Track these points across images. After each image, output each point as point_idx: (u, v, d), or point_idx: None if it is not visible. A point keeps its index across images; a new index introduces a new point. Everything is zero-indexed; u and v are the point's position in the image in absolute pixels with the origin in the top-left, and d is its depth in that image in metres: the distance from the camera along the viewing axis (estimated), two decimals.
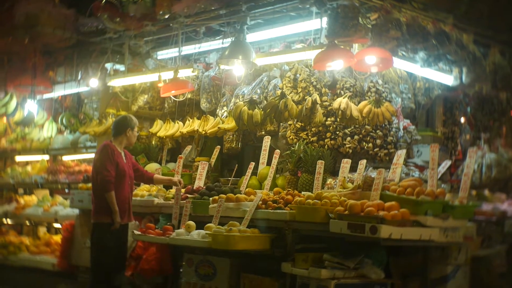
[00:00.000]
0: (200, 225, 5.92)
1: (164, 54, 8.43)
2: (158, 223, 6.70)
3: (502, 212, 6.10)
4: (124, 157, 6.62)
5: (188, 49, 7.74)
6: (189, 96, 7.90)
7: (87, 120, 9.03)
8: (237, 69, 6.94)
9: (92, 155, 9.23)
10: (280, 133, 7.13)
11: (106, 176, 6.34)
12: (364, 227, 4.74)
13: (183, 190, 6.64)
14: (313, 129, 6.71)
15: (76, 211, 8.17)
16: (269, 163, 6.79)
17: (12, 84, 9.49)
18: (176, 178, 6.96)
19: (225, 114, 7.51)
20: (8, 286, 9.16)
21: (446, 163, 6.07)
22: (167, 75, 7.45)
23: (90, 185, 7.36)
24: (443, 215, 4.94)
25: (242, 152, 7.94)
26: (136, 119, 6.78)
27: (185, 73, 7.43)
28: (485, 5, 6.69)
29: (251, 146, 7.89)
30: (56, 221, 9.01)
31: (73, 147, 9.57)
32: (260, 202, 5.76)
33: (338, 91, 6.63)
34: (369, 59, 5.96)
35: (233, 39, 6.73)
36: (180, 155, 7.51)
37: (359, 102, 6.48)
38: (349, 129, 6.58)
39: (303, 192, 6.05)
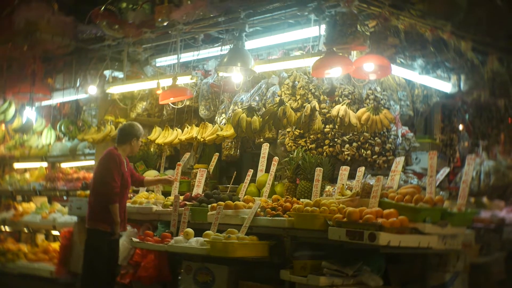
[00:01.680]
0: (198, 233, 5.91)
1: (162, 61, 8.45)
2: (157, 230, 6.69)
3: (500, 219, 6.11)
4: (125, 166, 6.59)
5: (187, 56, 7.75)
6: (187, 103, 7.91)
7: (85, 127, 9.02)
8: (235, 76, 6.94)
9: (90, 162, 9.25)
10: (278, 140, 7.14)
11: (114, 188, 6.26)
12: (362, 234, 4.74)
13: (181, 197, 6.63)
14: (311, 136, 6.71)
15: (74, 218, 8.14)
16: (267, 170, 6.79)
17: (11, 91, 9.49)
18: (166, 176, 6.92)
19: (223, 121, 7.52)
20: None
21: (445, 170, 6.07)
22: (166, 82, 7.46)
23: (88, 192, 7.35)
24: (442, 222, 4.94)
25: (240, 159, 7.94)
26: (142, 128, 6.75)
27: (183, 80, 7.43)
28: (483, 13, 6.69)
29: (249, 153, 7.90)
30: (54, 228, 8.99)
31: (72, 154, 9.57)
32: (259, 209, 5.75)
33: (337, 98, 6.63)
34: (368, 66, 5.96)
35: (231, 46, 6.74)
36: (178, 162, 7.51)
37: (357, 109, 6.48)
38: (347, 136, 6.58)
39: (301, 199, 6.03)
